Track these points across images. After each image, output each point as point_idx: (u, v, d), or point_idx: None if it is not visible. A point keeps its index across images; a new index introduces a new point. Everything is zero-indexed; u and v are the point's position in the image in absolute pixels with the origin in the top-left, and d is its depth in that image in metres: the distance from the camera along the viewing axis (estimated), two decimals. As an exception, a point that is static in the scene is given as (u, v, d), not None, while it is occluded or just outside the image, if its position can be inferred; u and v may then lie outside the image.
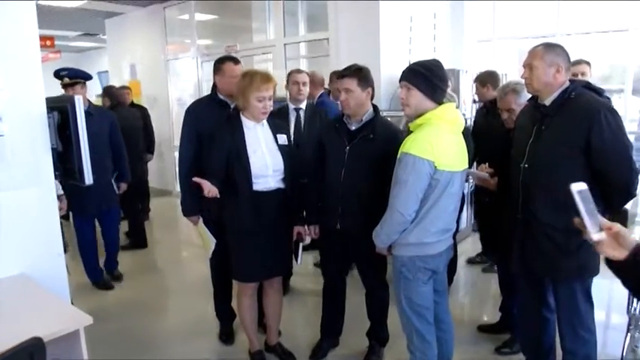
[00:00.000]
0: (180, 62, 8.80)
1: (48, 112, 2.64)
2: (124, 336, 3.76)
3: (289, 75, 4.04)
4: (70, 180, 2.90)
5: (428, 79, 2.35)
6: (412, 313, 2.45)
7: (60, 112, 2.64)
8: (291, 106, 3.93)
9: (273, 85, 2.84)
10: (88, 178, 2.68)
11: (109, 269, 4.95)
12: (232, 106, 3.14)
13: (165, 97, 8.86)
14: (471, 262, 5.06)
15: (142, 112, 6.99)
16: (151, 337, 3.76)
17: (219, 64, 3.30)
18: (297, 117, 3.91)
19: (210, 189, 2.66)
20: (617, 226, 1.29)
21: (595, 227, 1.30)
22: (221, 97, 3.28)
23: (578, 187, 1.31)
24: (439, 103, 2.37)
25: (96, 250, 4.73)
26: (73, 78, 4.30)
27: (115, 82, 9.83)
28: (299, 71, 4.05)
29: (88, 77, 4.38)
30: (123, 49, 9.60)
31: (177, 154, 8.61)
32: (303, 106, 3.92)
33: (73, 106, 2.59)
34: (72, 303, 3.66)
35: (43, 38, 9.94)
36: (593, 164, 2.25)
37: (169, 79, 8.90)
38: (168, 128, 8.80)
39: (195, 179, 2.69)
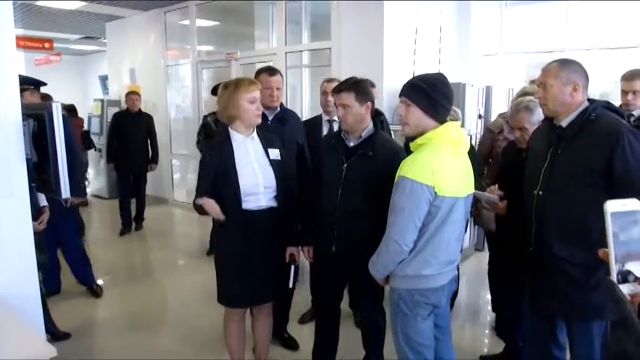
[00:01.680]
0: (180, 68, 8.64)
1: (23, 120, 2.46)
2: (110, 350, 3.62)
3: (322, 85, 3.79)
4: (46, 192, 2.74)
5: (429, 96, 2.15)
6: (410, 351, 2.25)
7: (36, 120, 2.47)
8: (324, 118, 3.71)
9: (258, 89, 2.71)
10: (65, 191, 2.51)
11: (87, 285, 4.72)
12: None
13: (164, 103, 8.71)
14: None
15: (148, 120, 6.91)
16: (139, 352, 3.58)
17: (256, 76, 3.26)
18: (330, 129, 3.65)
19: (210, 209, 2.54)
20: None
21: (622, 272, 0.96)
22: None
23: (615, 208, 0.97)
24: (442, 121, 2.18)
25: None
26: (22, 84, 4.11)
27: (115, 87, 9.75)
28: (329, 80, 3.74)
29: (39, 84, 4.20)
30: (123, 54, 9.46)
31: (175, 161, 8.55)
32: (336, 117, 3.50)
33: (50, 114, 2.41)
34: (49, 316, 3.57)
35: (41, 40, 9.88)
36: (616, 193, 2.03)
37: (168, 85, 8.73)
38: (166, 135, 8.63)
39: (199, 201, 2.55)
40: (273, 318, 3.21)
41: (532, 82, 3.34)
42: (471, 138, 3.55)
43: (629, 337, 0.92)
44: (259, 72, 3.34)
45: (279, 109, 3.36)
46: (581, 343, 2.24)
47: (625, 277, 0.97)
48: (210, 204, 2.53)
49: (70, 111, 8.03)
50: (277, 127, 3.27)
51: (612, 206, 0.96)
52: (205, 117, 5.46)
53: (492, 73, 6.86)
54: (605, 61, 6.36)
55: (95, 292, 4.66)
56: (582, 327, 2.22)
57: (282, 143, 3.05)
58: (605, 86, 6.25)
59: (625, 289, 0.96)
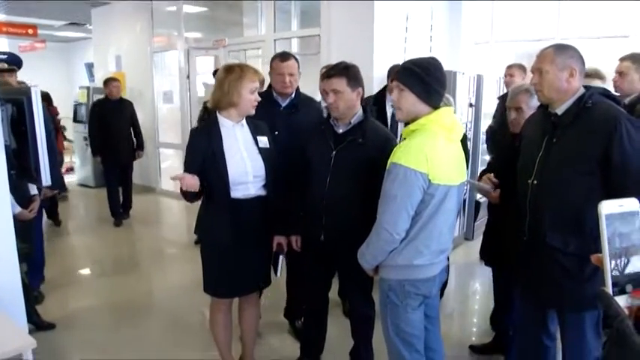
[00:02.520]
0: (167, 55, 8.50)
1: (0, 105, 2.38)
2: (97, 340, 3.56)
3: (321, 71, 3.70)
4: (26, 180, 2.66)
5: (423, 80, 2.09)
6: (399, 342, 2.20)
7: (14, 105, 2.39)
8: (323, 104, 3.60)
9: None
10: (45, 178, 2.44)
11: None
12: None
13: (151, 91, 8.57)
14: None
15: (130, 107, 6.78)
16: (126, 340, 3.55)
17: (270, 62, 3.26)
18: (329, 116, 3.57)
19: (188, 183, 2.42)
20: None
21: (618, 281, 0.85)
22: (274, 94, 3.20)
23: (609, 209, 0.84)
24: (435, 107, 2.12)
25: None
26: (11, 64, 4.03)
27: (100, 74, 9.59)
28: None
29: (19, 63, 4.12)
30: (108, 40, 9.29)
31: (162, 149, 8.40)
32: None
33: (29, 99, 2.35)
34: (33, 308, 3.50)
35: (24, 26, 9.67)
36: (612, 182, 1.99)
37: (155, 72, 8.60)
38: (153, 123, 8.51)
39: (175, 175, 2.47)
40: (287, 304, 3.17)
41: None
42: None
43: (628, 356, 0.84)
44: (272, 58, 3.27)
45: (293, 95, 3.26)
46: (573, 333, 2.20)
47: (622, 288, 0.87)
48: (187, 178, 2.44)
49: (45, 99, 7.87)
50: (289, 114, 3.20)
51: (608, 207, 0.85)
52: (206, 102, 5.36)
53: (483, 61, 6.82)
54: (596, 51, 6.33)
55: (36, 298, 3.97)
56: (574, 317, 2.19)
57: (291, 132, 3.02)
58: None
59: (621, 301, 0.87)
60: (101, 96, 8.83)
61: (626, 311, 0.87)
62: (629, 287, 0.86)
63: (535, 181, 2.17)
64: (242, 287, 2.77)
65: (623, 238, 0.85)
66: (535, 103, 2.65)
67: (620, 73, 3.17)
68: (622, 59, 3.19)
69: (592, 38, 6.22)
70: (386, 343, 2.31)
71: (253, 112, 2.63)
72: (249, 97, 2.56)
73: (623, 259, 0.86)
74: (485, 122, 5.59)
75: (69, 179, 9.48)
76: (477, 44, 6.98)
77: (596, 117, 2.01)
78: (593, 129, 2.00)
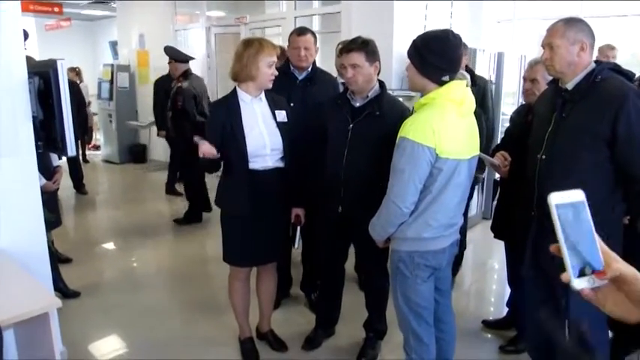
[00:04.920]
0: (190, 33, 8.56)
1: (28, 78, 2.46)
2: (119, 307, 3.70)
3: (337, 47, 3.70)
4: (52, 150, 2.75)
5: (421, 54, 2.11)
6: (409, 312, 2.26)
7: (41, 77, 2.47)
8: (340, 80, 3.58)
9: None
10: (71, 149, 2.53)
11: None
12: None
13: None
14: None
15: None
16: (140, 312, 3.66)
17: (288, 37, 3.36)
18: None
19: (205, 151, 2.48)
20: (625, 269, 0.82)
21: (579, 265, 0.84)
22: (291, 67, 3.28)
23: (559, 199, 0.84)
24: (438, 82, 2.12)
25: None
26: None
27: (124, 52, 9.71)
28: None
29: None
30: (132, 18, 9.37)
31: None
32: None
33: (55, 72, 2.42)
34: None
35: (50, 4, 9.79)
36: (618, 157, 1.99)
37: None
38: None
39: (195, 139, 2.55)
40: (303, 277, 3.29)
41: None
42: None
43: None
44: (290, 33, 3.35)
45: (310, 69, 3.32)
46: (576, 309, 2.21)
47: (582, 269, 0.86)
48: (205, 145, 2.50)
49: (77, 74, 8.01)
50: (305, 87, 3.27)
51: (556, 198, 0.84)
52: None
53: (505, 39, 6.73)
54: (622, 30, 6.19)
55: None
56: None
57: (306, 105, 3.08)
58: (621, 57, 6.10)
59: (583, 283, 0.85)
60: (125, 73, 8.98)
61: (589, 294, 0.87)
62: (588, 270, 0.86)
63: (544, 156, 2.18)
64: (259, 257, 2.85)
65: (579, 224, 0.86)
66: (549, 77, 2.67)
67: None
68: None
69: (617, 16, 6.09)
70: (396, 313, 2.37)
71: (270, 85, 2.68)
72: (266, 71, 2.60)
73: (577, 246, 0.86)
74: (507, 100, 5.54)
75: (94, 156, 9.71)
76: (499, 22, 6.88)
77: (605, 93, 2.01)
78: (600, 105, 2.00)
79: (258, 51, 2.59)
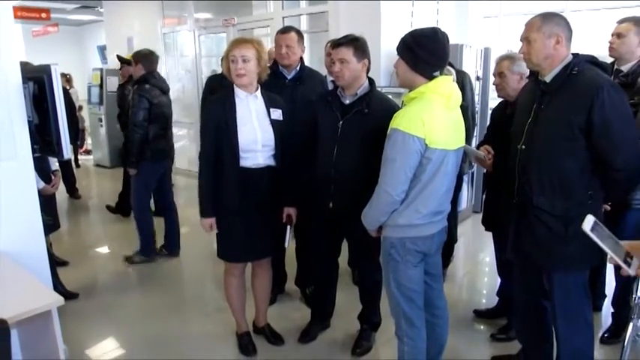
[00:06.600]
0: (178, 36, 8.60)
1: (23, 83, 2.51)
2: (116, 308, 3.76)
3: (326, 46, 3.76)
4: (48, 154, 2.80)
5: (413, 51, 2.19)
6: (401, 297, 2.33)
7: (36, 82, 2.51)
8: (329, 78, 3.70)
9: (248, 48, 2.66)
10: (67, 152, 2.59)
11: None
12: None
13: (163, 71, 8.65)
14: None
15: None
16: (136, 312, 3.72)
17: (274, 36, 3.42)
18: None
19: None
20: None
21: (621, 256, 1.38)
22: (279, 67, 3.33)
23: (589, 224, 1.29)
24: (429, 77, 2.20)
25: None
26: None
27: (113, 56, 9.66)
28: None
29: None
30: (120, 22, 9.39)
31: (175, 129, 8.47)
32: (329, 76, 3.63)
33: (49, 77, 2.47)
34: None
35: (38, 10, 9.78)
36: (594, 146, 2.07)
37: (166, 54, 8.70)
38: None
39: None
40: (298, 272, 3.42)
41: None
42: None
43: None
44: (276, 33, 3.41)
45: (298, 68, 3.37)
46: (559, 293, 2.29)
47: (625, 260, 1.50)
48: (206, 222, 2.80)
49: (67, 81, 8.05)
50: (295, 86, 3.32)
51: (587, 224, 1.37)
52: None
53: (492, 35, 6.81)
54: (610, 23, 6.26)
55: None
56: (560, 277, 2.27)
57: (296, 103, 3.14)
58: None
59: (634, 268, 1.49)
60: (114, 78, 8.98)
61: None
62: (628, 258, 1.45)
63: (523, 146, 2.26)
64: (252, 253, 2.91)
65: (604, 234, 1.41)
66: (517, 69, 2.81)
67: (619, 35, 3.04)
68: (621, 21, 3.08)
69: (605, 9, 6.15)
70: (388, 298, 2.44)
71: (239, 81, 2.69)
72: (230, 66, 2.68)
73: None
74: (493, 95, 5.62)
75: (85, 160, 9.71)
76: (486, 18, 6.96)
77: (581, 84, 2.08)
78: (576, 96, 2.07)
79: (228, 48, 2.70)
